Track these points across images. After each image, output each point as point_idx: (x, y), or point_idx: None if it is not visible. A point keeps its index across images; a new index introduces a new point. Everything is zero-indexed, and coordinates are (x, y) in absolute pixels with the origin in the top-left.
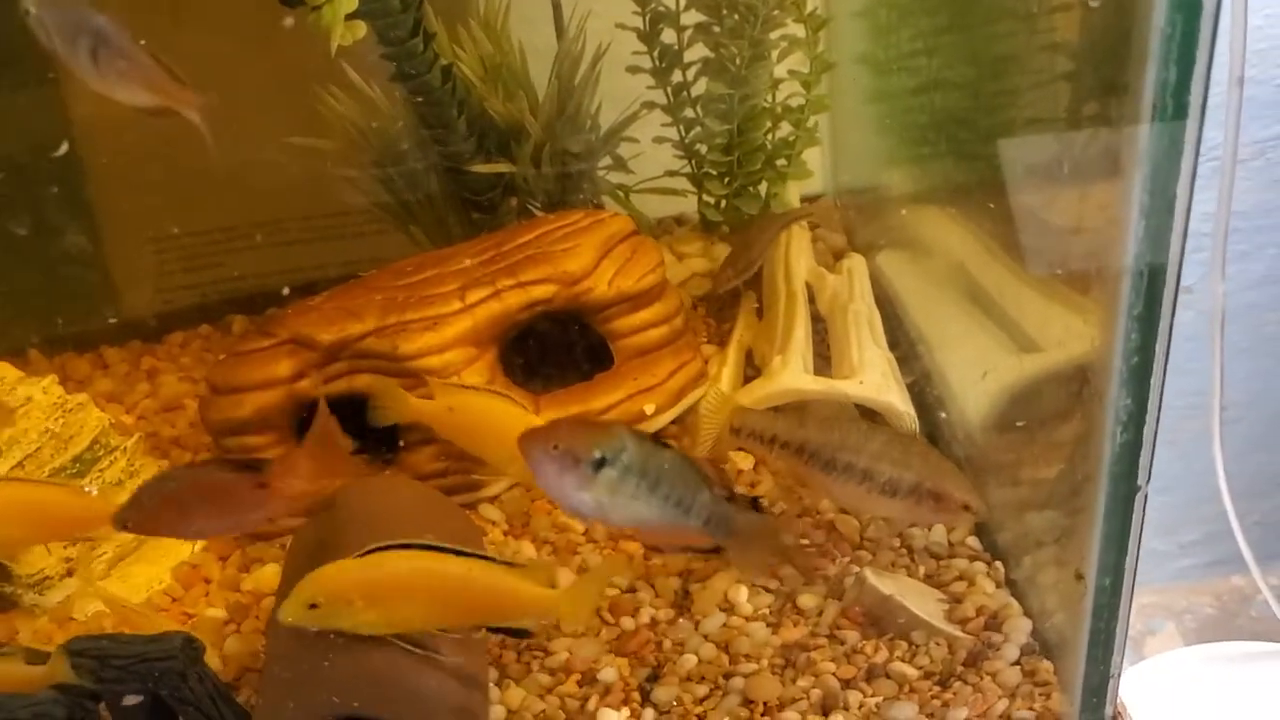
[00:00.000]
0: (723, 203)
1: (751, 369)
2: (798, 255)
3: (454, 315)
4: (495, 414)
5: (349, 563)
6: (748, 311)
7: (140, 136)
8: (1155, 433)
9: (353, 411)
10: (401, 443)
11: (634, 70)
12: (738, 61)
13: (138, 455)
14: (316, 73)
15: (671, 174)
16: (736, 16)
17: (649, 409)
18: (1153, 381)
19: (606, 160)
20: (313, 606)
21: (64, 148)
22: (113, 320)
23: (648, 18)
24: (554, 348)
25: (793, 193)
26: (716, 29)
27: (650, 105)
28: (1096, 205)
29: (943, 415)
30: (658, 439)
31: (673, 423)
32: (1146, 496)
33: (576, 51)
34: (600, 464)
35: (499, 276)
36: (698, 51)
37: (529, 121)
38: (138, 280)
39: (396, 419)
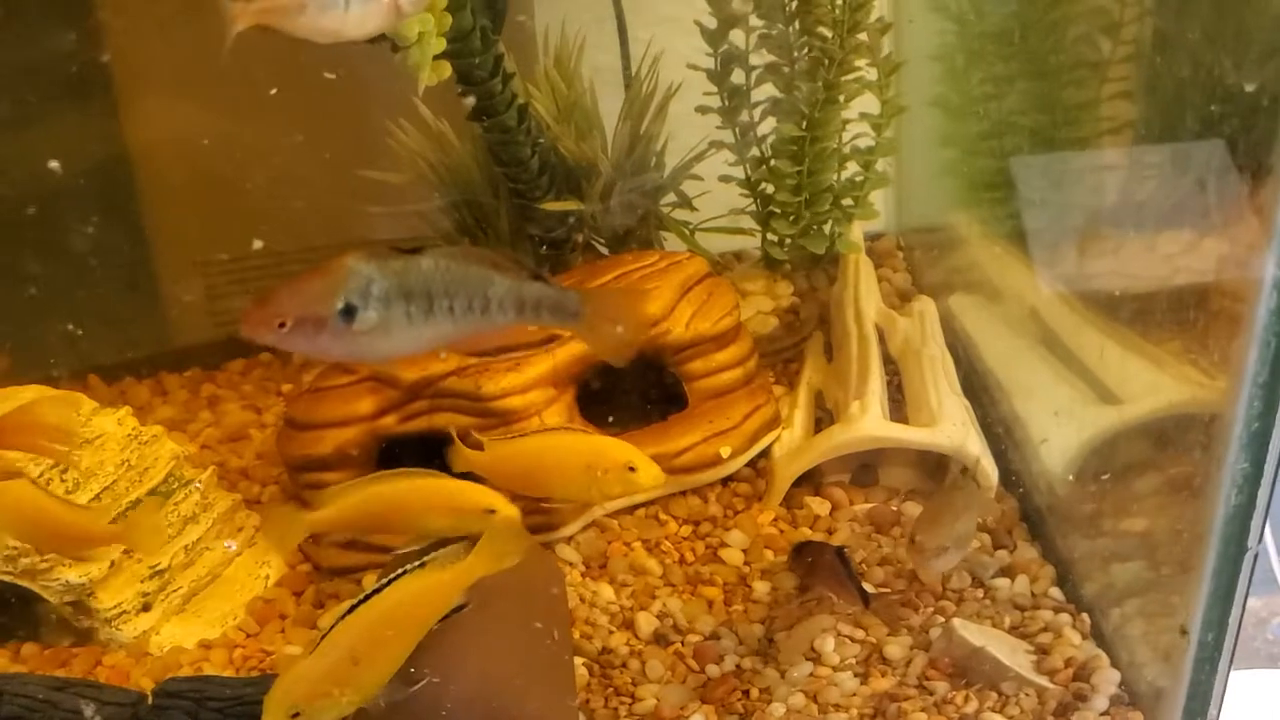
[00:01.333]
0: (787, 240)
1: (820, 411)
2: (867, 296)
3: (534, 356)
4: (549, 450)
5: (305, 663)
6: (815, 353)
7: (196, 161)
8: (1270, 497)
9: (433, 449)
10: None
11: (703, 110)
12: (811, 104)
13: (211, 488)
14: (388, 107)
15: (737, 212)
16: (810, 58)
17: (725, 452)
18: (1271, 447)
19: (670, 197)
20: (295, 716)
21: None
22: (169, 347)
23: (719, 59)
24: (629, 389)
25: (856, 232)
26: (787, 70)
27: (718, 145)
28: (1221, 270)
29: (1018, 464)
30: (414, 249)
31: (747, 465)
32: (1256, 556)
33: (647, 92)
34: (350, 311)
35: None
36: (764, 91)
37: (601, 161)
38: (195, 306)
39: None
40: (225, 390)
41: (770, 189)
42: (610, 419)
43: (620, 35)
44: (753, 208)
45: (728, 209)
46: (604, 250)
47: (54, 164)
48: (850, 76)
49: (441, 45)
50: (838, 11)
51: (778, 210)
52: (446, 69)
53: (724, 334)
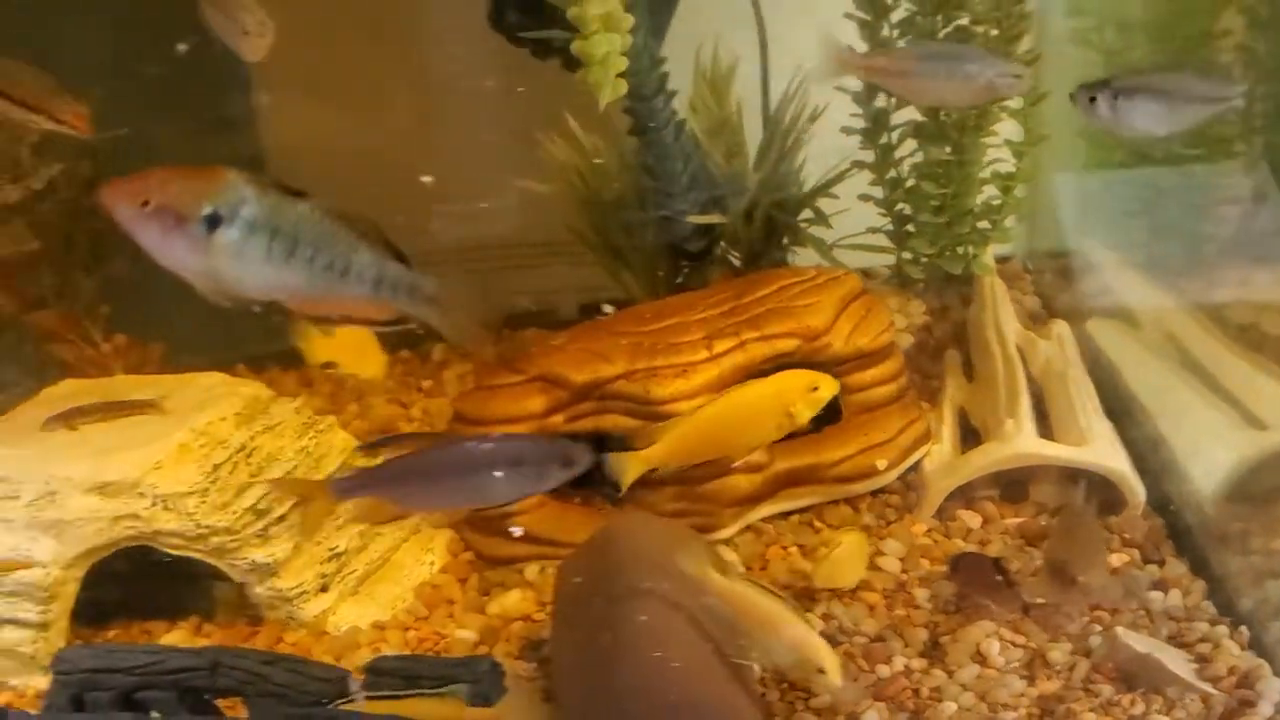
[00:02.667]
0: (922, 259)
1: (963, 428)
2: (1006, 317)
3: (702, 364)
4: (733, 409)
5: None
6: (955, 371)
7: (332, 165)
8: None
9: (600, 449)
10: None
11: (848, 131)
12: (960, 129)
13: None
14: (538, 120)
15: (873, 230)
16: None
17: (880, 464)
18: None
19: (806, 213)
20: None
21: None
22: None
23: (867, 81)
24: None
25: (989, 254)
26: None
27: (859, 165)
28: None
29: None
30: (291, 188)
31: (897, 479)
32: None
33: (794, 112)
34: (214, 221)
35: (743, 328)
36: (903, 114)
37: (749, 177)
38: None
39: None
40: (366, 384)
41: (908, 208)
42: None
43: (761, 51)
44: (888, 226)
45: (856, 226)
46: (737, 263)
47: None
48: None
49: (623, 65)
50: (991, 42)
51: (914, 229)
52: (623, 86)
53: (881, 350)
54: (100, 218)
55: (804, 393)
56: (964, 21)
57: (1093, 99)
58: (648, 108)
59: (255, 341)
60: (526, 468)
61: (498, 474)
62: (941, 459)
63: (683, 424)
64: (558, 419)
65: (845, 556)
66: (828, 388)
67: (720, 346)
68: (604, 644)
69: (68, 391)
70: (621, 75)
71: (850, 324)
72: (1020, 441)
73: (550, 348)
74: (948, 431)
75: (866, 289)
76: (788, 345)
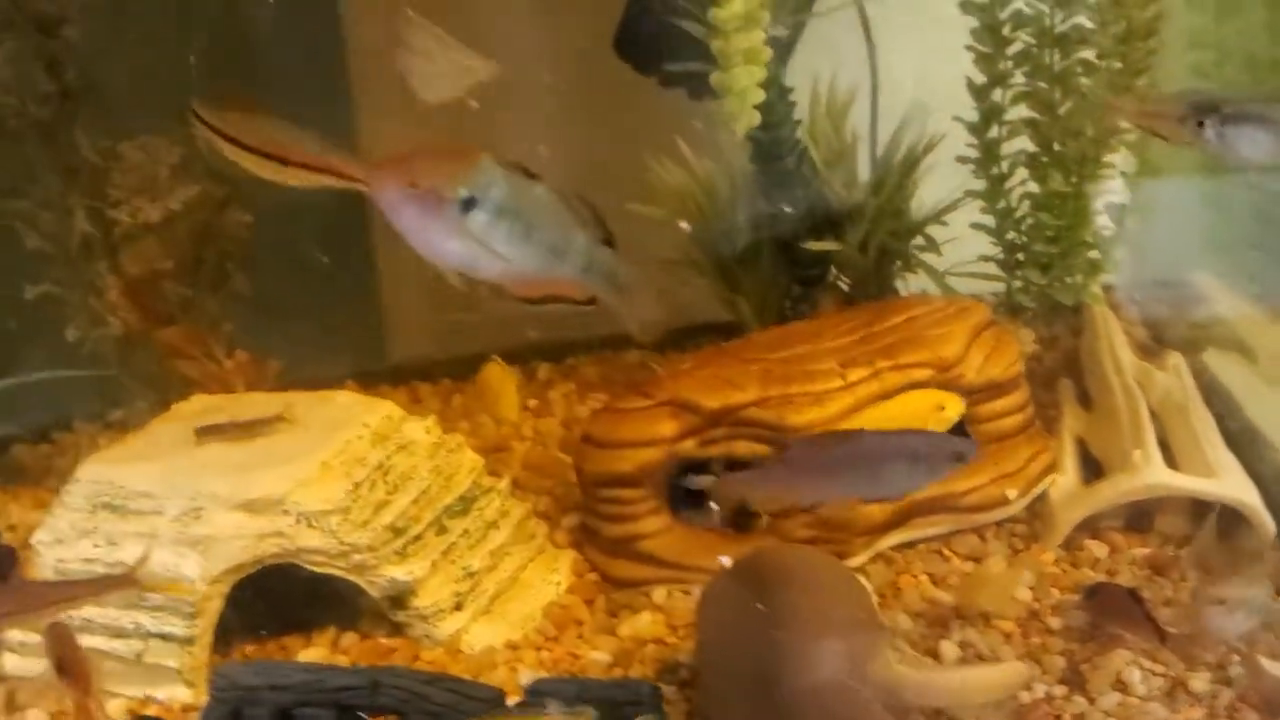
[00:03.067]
0: (1033, 288)
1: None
2: (1121, 348)
3: (836, 391)
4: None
5: None
6: (1070, 400)
7: None
8: None
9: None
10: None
11: (963, 160)
12: (1079, 160)
13: (507, 496)
14: (651, 145)
15: (983, 259)
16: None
17: (1011, 494)
18: None
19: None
20: None
21: None
22: (416, 357)
23: (982, 113)
24: None
25: (1098, 284)
26: (1048, 127)
27: (972, 194)
28: None
29: None
30: (528, 170)
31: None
32: None
33: (911, 142)
34: (470, 204)
35: (876, 357)
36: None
37: (868, 206)
38: (439, 322)
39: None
40: (474, 402)
41: (1021, 237)
42: None
43: (871, 79)
44: (999, 255)
45: (963, 254)
46: (845, 289)
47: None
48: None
49: (760, 97)
50: (1112, 76)
51: (1025, 258)
52: (758, 117)
53: (1011, 380)
54: (228, 238)
55: (932, 413)
56: (1088, 55)
57: (1200, 123)
58: (773, 137)
59: (363, 357)
60: (922, 461)
61: (896, 467)
62: (1067, 489)
63: None
64: (689, 444)
65: (1000, 580)
66: (954, 407)
67: (854, 375)
68: None
69: (199, 407)
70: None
71: (982, 354)
72: (1150, 473)
73: (678, 372)
74: (1070, 461)
75: (995, 320)
76: (922, 375)
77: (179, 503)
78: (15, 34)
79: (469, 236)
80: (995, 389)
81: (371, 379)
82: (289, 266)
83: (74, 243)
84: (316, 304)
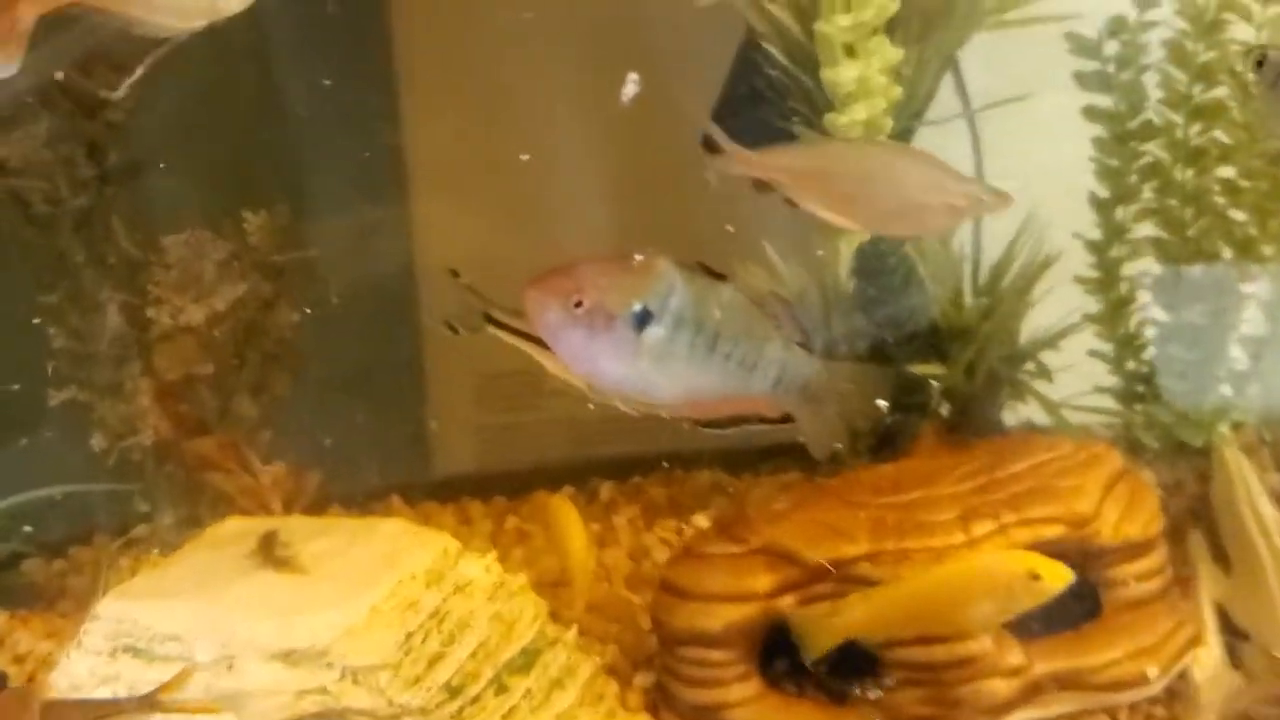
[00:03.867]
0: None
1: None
2: (1261, 499)
3: (959, 548)
4: (940, 586)
5: None
6: (1205, 559)
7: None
8: None
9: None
10: (887, 680)
11: (1081, 281)
12: (1218, 288)
13: (574, 650)
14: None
15: (1101, 390)
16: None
17: (1152, 672)
18: None
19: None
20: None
21: None
22: (465, 470)
23: (1105, 229)
24: None
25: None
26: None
27: (1091, 318)
28: None
29: None
30: (713, 271)
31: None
32: None
33: (1028, 261)
34: (644, 318)
35: (1001, 509)
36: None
37: (980, 328)
38: (491, 432)
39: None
40: (531, 525)
41: (1143, 367)
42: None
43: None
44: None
45: (1077, 384)
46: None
47: None
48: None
49: None
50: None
51: (1149, 391)
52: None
53: (1150, 539)
54: (273, 339)
55: (1024, 580)
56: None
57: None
58: (878, 248)
59: (409, 470)
60: None
61: None
62: (1211, 666)
63: (887, 592)
64: (789, 600)
65: None
66: (1054, 577)
67: (978, 529)
68: None
69: (235, 530)
70: None
71: (1117, 510)
72: None
73: (774, 514)
74: (1211, 633)
75: (1130, 468)
76: (1052, 531)
77: (210, 648)
78: (52, 113)
79: (644, 357)
80: (1132, 550)
81: (417, 494)
82: (331, 368)
83: (104, 342)
84: (360, 409)
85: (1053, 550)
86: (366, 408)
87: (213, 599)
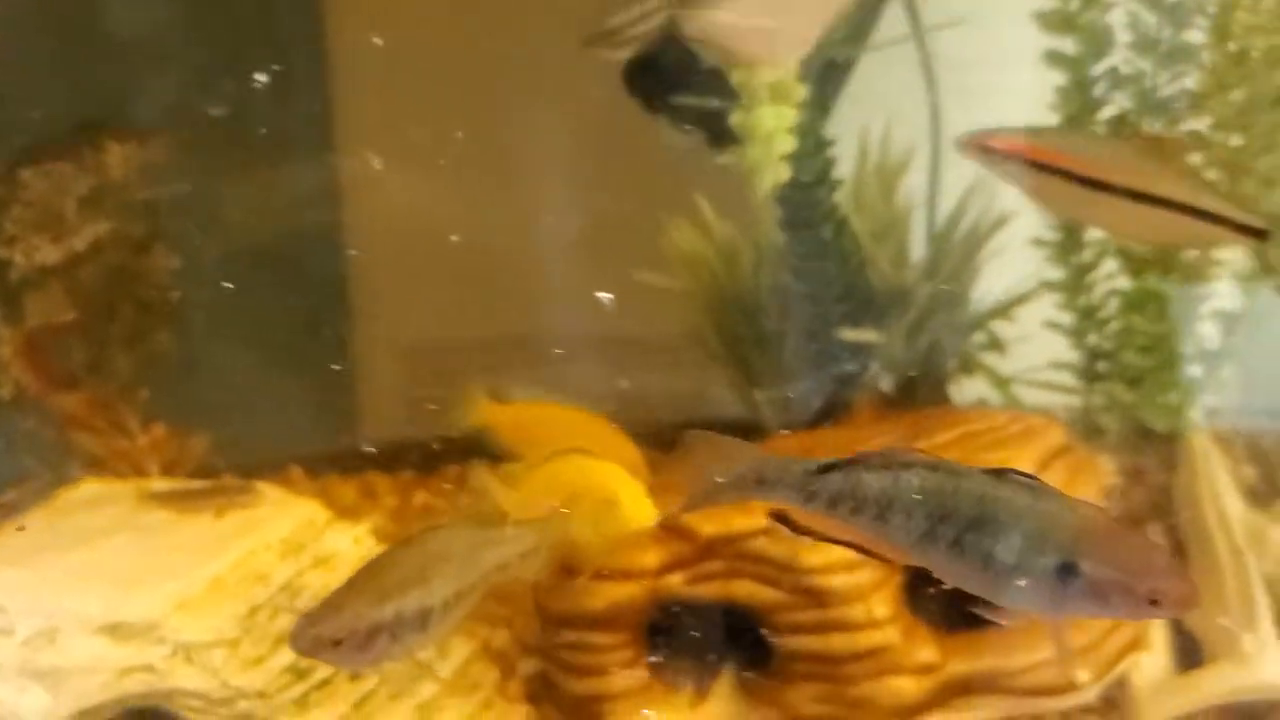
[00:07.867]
0: (1116, 406)
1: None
2: (1228, 495)
3: None
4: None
5: None
6: None
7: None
8: None
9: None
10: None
11: (1039, 243)
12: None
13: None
14: (666, 203)
15: (1058, 366)
16: None
17: (1082, 676)
18: None
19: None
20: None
21: None
22: (379, 440)
23: None
24: None
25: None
26: None
27: (1049, 286)
28: None
29: None
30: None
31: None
32: None
33: (974, 222)
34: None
35: None
36: None
37: (921, 289)
38: (409, 400)
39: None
40: (440, 501)
41: (1104, 343)
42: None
43: (932, 140)
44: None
45: (1032, 357)
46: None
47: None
48: None
49: (790, 144)
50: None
51: (1110, 369)
52: (786, 170)
53: None
54: (150, 284)
55: (601, 503)
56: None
57: None
58: (807, 197)
59: (314, 439)
60: None
61: None
62: (1154, 673)
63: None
64: (675, 579)
65: None
66: (633, 515)
67: None
68: None
69: (89, 495)
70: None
71: None
72: (1266, 666)
73: (666, 484)
74: (1159, 637)
75: (1074, 445)
76: None
77: (33, 621)
78: None
79: None
80: None
81: (322, 465)
82: (237, 324)
83: None
84: (269, 372)
85: None
86: (274, 369)
87: (45, 568)
